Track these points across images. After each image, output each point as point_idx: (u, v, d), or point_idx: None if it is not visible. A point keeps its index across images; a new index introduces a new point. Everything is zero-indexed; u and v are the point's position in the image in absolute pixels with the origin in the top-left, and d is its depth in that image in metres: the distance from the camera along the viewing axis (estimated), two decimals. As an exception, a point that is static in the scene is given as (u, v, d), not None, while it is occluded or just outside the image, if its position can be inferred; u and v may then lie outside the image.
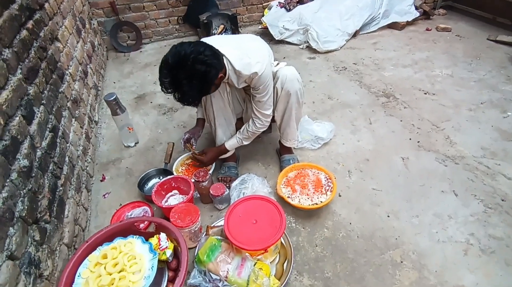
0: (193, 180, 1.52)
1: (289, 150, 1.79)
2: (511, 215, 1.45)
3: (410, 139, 1.94)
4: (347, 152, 1.87)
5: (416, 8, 3.48)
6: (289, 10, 3.25)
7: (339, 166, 1.78)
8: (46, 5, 1.73)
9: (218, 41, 1.37)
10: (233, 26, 3.19)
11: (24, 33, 1.33)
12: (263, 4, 3.58)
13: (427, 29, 3.36)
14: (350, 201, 1.58)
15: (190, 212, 1.34)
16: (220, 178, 1.70)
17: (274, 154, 1.89)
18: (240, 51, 1.36)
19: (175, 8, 3.26)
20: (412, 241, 1.38)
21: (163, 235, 1.23)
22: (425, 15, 3.59)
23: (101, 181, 1.77)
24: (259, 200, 1.34)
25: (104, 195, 1.68)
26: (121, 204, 1.60)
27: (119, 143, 2.02)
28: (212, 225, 1.37)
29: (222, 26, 3.14)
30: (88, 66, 2.29)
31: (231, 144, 1.62)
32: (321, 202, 1.48)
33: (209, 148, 1.69)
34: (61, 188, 1.34)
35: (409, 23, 3.42)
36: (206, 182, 1.51)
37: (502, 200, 1.52)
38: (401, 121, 2.08)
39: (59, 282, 1.09)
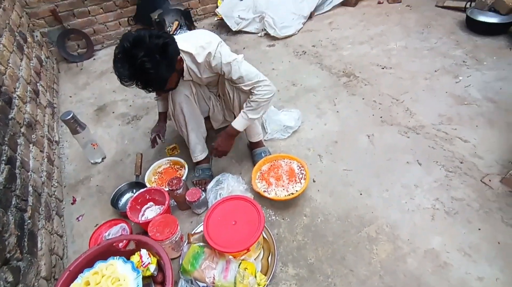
0: (167, 189, 1.51)
1: (259, 144, 1.80)
2: (469, 176, 1.57)
3: (373, 115, 2.01)
4: (315, 137, 1.92)
5: (366, -18, 3.52)
6: (242, -2, 3.19)
7: (309, 152, 1.83)
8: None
9: None
10: (187, 22, 3.09)
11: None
12: (216, -6, 3.49)
13: (379, 2, 3.43)
14: (324, 185, 1.64)
15: (168, 223, 1.34)
16: (195, 182, 1.69)
17: (246, 149, 1.90)
18: (189, 42, 1.35)
19: (124, 9, 3.10)
20: (384, 215, 1.46)
21: (144, 251, 1.22)
22: (376, -12, 3.65)
23: (72, 204, 1.71)
24: (235, 200, 1.36)
25: (77, 218, 1.63)
26: (97, 225, 1.56)
27: (85, 160, 1.95)
28: (192, 232, 1.38)
29: (176, 23, 3.03)
30: (38, 84, 2.16)
31: (239, 123, 1.48)
32: (297, 191, 1.52)
33: (218, 135, 1.59)
34: (29, 221, 1.28)
35: (361, -2, 3.47)
36: (181, 189, 1.50)
37: (461, 163, 1.64)
38: (363, 99, 2.15)
39: (42, 319, 1.07)
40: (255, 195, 1.58)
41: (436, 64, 2.39)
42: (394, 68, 2.40)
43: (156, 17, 2.95)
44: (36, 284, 1.15)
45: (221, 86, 1.57)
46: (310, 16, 3.23)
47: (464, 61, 2.36)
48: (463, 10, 2.85)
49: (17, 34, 2.21)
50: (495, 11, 2.53)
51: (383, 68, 2.42)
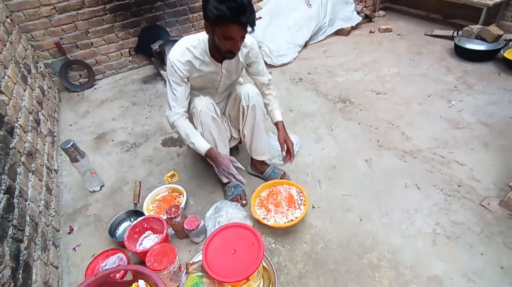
0: (165, 218, 1.50)
1: (266, 165, 1.83)
2: (468, 199, 1.57)
3: (370, 139, 2.04)
4: (314, 162, 1.93)
5: (358, 13, 3.71)
6: (239, 29, 3.32)
7: (308, 177, 1.83)
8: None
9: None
10: (187, 51, 3.19)
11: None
12: (214, 26, 3.63)
13: (371, 32, 3.58)
14: (324, 211, 1.63)
15: (167, 252, 1.32)
16: (232, 199, 1.69)
17: (245, 174, 1.90)
18: None
19: (125, 40, 3.22)
20: (385, 241, 1.44)
21: (141, 282, 1.19)
22: (367, 19, 3.84)
23: (69, 233, 1.68)
24: (234, 228, 1.34)
25: (74, 248, 1.60)
26: (93, 255, 1.53)
27: (83, 189, 1.94)
28: (191, 262, 1.35)
29: (176, 52, 3.13)
30: (39, 113, 2.19)
31: (279, 114, 1.70)
32: (296, 217, 1.50)
33: (280, 136, 1.65)
34: (25, 252, 1.26)
35: (353, 28, 3.63)
36: (179, 217, 1.49)
37: (459, 186, 1.65)
38: (359, 123, 2.19)
39: None
40: (254, 223, 1.57)
41: (428, 89, 2.46)
42: (388, 93, 2.47)
43: (156, 47, 3.05)
44: (28, 319, 1.11)
45: (230, 104, 1.70)
46: (305, 45, 3.35)
47: (455, 86, 2.43)
48: (451, 38, 2.98)
49: (21, 65, 2.28)
50: (482, 39, 2.65)
51: (377, 94, 2.48)
